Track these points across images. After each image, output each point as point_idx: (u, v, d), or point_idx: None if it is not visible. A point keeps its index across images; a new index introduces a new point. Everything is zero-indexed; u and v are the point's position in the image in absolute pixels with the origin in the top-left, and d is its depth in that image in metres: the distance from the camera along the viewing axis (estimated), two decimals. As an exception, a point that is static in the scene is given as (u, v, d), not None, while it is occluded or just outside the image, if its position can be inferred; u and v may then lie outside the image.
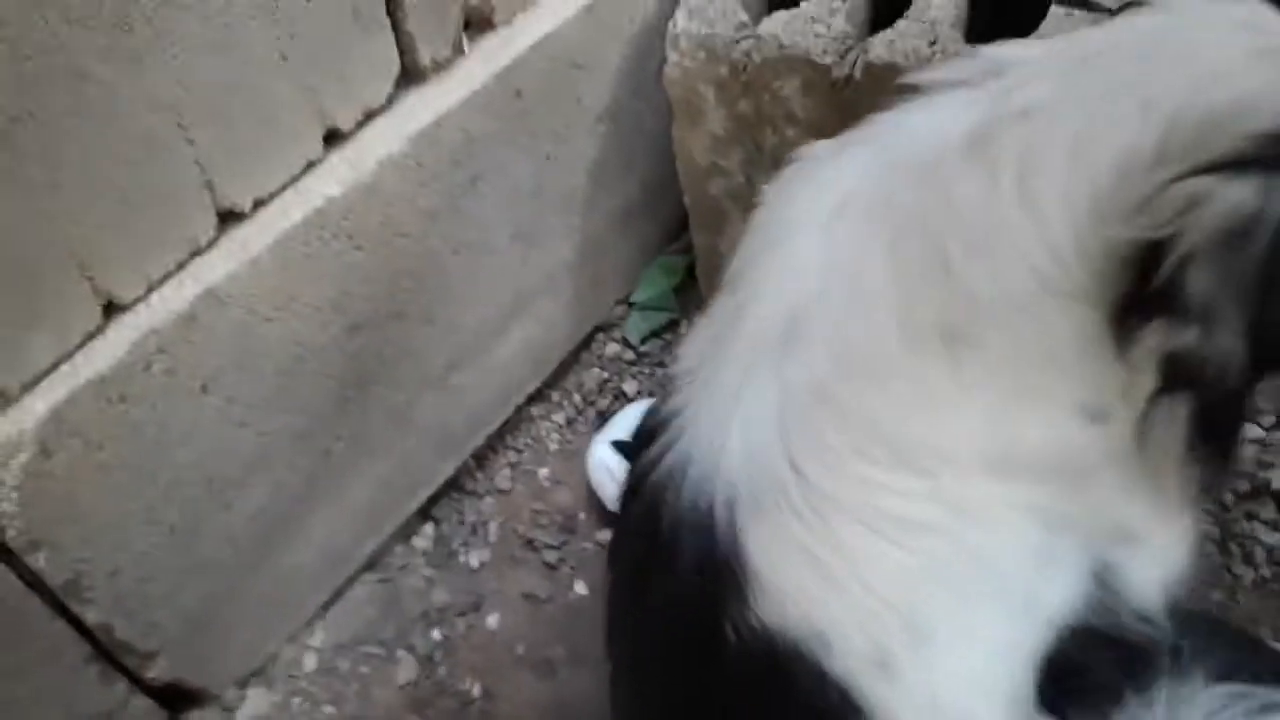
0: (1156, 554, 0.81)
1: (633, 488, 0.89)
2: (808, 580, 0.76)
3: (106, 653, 1.25)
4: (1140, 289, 0.70)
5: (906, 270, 0.75)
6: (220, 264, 1.17)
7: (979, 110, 0.76)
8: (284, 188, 1.23)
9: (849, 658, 0.76)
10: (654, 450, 0.84)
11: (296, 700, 1.47)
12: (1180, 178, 0.67)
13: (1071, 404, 0.75)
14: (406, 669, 1.50)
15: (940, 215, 0.75)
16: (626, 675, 0.95)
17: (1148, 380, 0.73)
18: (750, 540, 0.77)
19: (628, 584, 0.93)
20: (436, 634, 1.53)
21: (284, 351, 1.25)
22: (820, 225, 0.79)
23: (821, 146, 0.86)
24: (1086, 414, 0.76)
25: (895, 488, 0.75)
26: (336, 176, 1.25)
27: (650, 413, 0.92)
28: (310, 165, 1.25)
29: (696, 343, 0.89)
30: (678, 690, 0.87)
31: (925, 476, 0.75)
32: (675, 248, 1.87)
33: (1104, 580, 0.78)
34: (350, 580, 1.55)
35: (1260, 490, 1.49)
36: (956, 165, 0.75)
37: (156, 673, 1.32)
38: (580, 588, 1.57)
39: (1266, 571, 1.44)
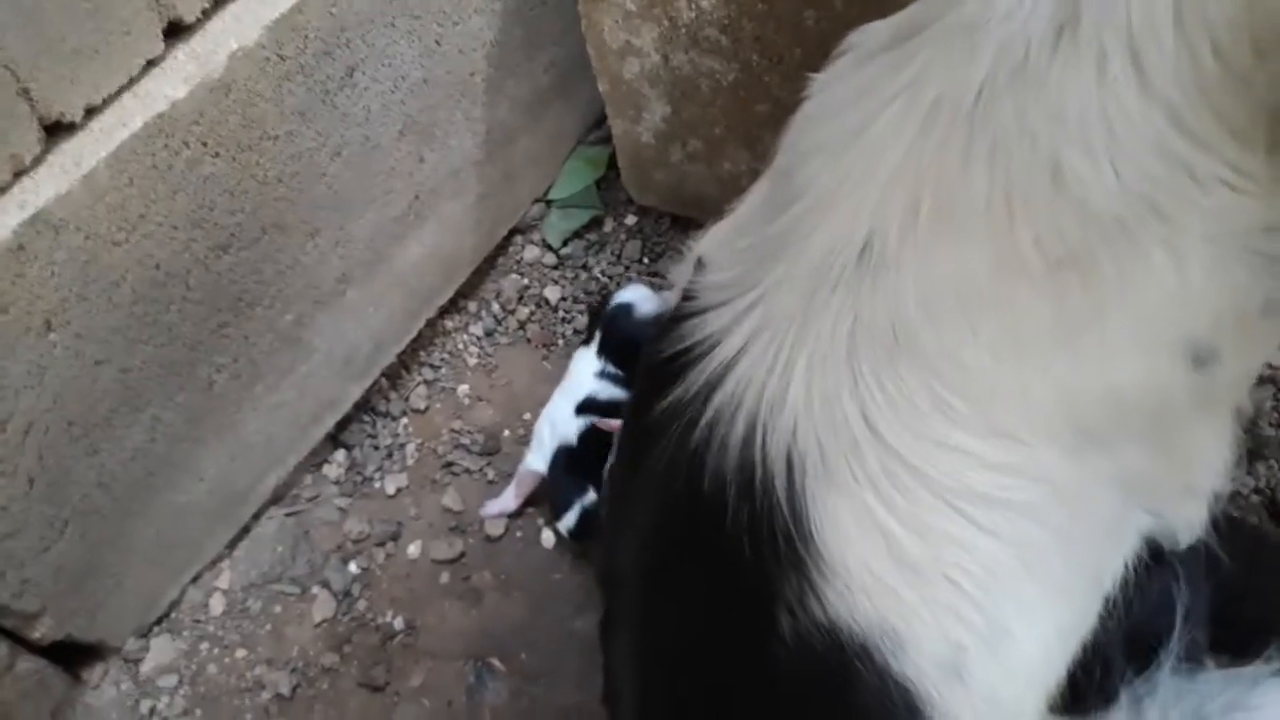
0: (1206, 501, 0.73)
1: (649, 424, 0.74)
2: (884, 567, 0.65)
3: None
4: None
5: (1007, 184, 0.62)
6: (49, 184, 1.02)
7: None
8: (120, 92, 1.08)
9: (921, 658, 0.65)
10: (685, 384, 0.70)
11: (205, 646, 1.38)
12: None
13: (1181, 344, 0.64)
14: (322, 605, 1.40)
15: (1042, 118, 0.61)
16: (643, 655, 0.81)
17: None
18: (818, 512, 0.65)
19: (644, 545, 0.79)
20: (353, 567, 1.44)
21: (139, 277, 1.12)
22: (903, 131, 0.65)
23: (879, 33, 0.71)
24: (1193, 357, 0.64)
25: (986, 459, 0.64)
26: (182, 75, 1.10)
27: (661, 326, 0.78)
28: (150, 64, 1.10)
29: (729, 248, 0.75)
30: (710, 676, 0.74)
31: (1017, 446, 0.64)
32: (595, 137, 1.72)
33: (1149, 540, 0.70)
34: (256, 516, 1.45)
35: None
36: (1048, 58, 0.61)
37: (42, 631, 1.22)
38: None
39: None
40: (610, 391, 1.43)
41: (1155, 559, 0.72)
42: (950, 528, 0.64)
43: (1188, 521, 0.73)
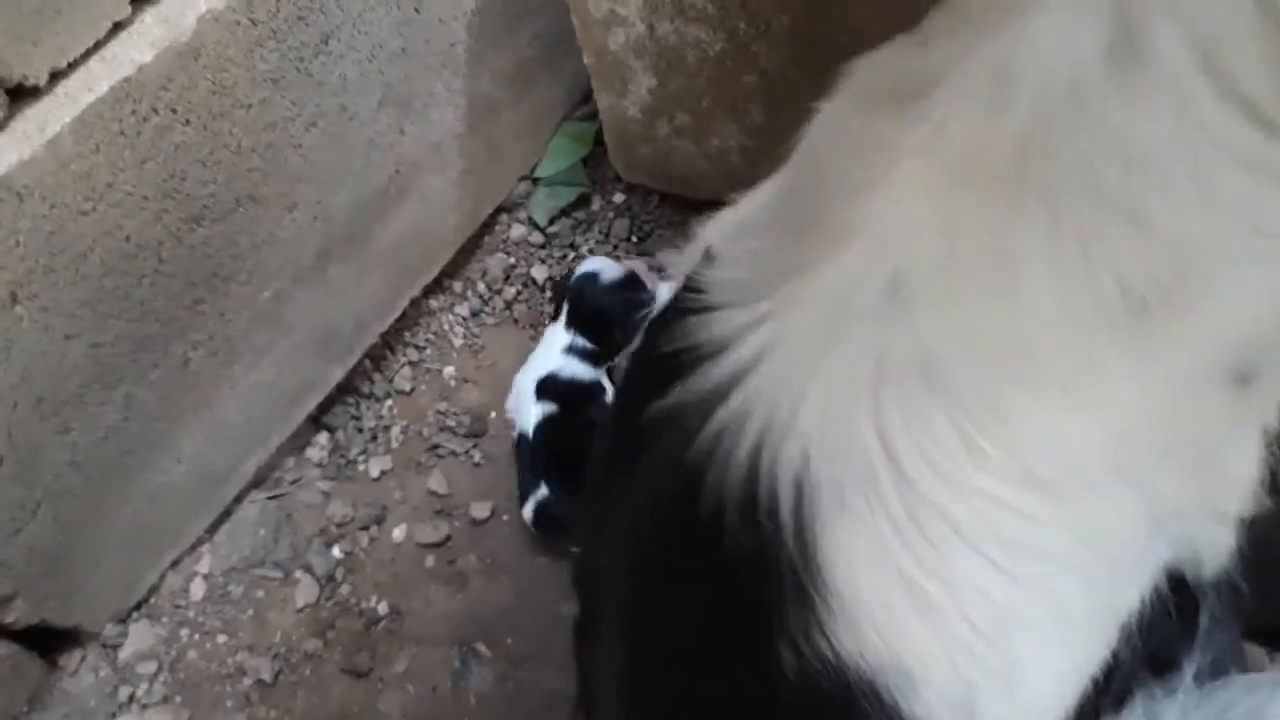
0: (1235, 526, 0.69)
1: (642, 422, 0.69)
2: (899, 605, 0.60)
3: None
4: None
5: (1076, 232, 0.57)
6: (11, 150, 0.99)
7: (1103, 8, 0.57)
8: (86, 55, 1.05)
9: (933, 698, 0.61)
10: (686, 387, 0.65)
11: (185, 632, 1.35)
12: None
13: (1225, 362, 0.61)
14: (305, 590, 1.37)
15: (1107, 162, 0.56)
16: (630, 680, 0.77)
17: None
18: (829, 543, 0.60)
19: (630, 557, 0.74)
20: (336, 551, 1.40)
21: (108, 249, 1.08)
22: (932, 187, 0.60)
23: (884, 74, 0.67)
24: (1236, 375, 0.61)
25: (1015, 506, 0.60)
26: (150, 39, 1.07)
27: (661, 316, 0.73)
28: (117, 27, 1.07)
29: (739, 245, 0.70)
30: (703, 709, 0.70)
31: (1050, 493, 0.60)
32: (582, 113, 1.69)
33: (1172, 570, 0.67)
34: (238, 499, 1.42)
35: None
36: (1101, 90, 0.56)
37: (15, 616, 1.19)
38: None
39: None
40: (575, 369, 1.40)
41: (1177, 587, 0.69)
42: (972, 570, 0.60)
43: (1215, 549, 0.69)
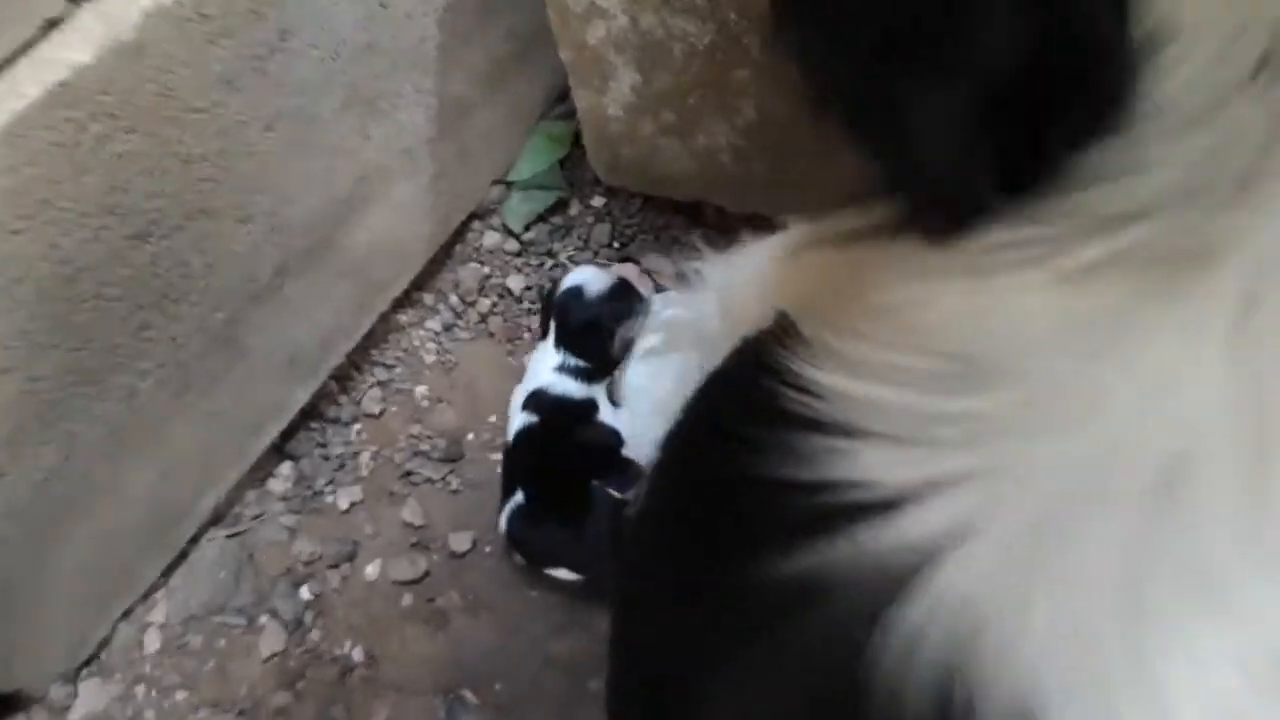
0: None
1: (760, 580, 0.50)
2: None
3: None
4: None
5: None
6: (-72, 162, 0.87)
7: None
8: (15, 57, 0.93)
9: None
10: (836, 549, 0.48)
11: (141, 689, 1.23)
12: None
13: None
14: (271, 637, 1.26)
15: None
16: None
17: None
18: None
19: None
20: (304, 592, 1.29)
21: (43, 273, 0.96)
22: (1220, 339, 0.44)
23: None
24: None
25: None
26: (88, 37, 0.95)
27: (742, 401, 0.57)
28: (51, 25, 0.94)
29: (869, 355, 0.51)
30: None
31: None
32: (558, 112, 1.59)
33: None
34: (194, 539, 1.30)
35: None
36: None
37: (-54, 682, 1.07)
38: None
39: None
40: (566, 386, 1.31)
41: None
42: None
43: None
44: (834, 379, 0.51)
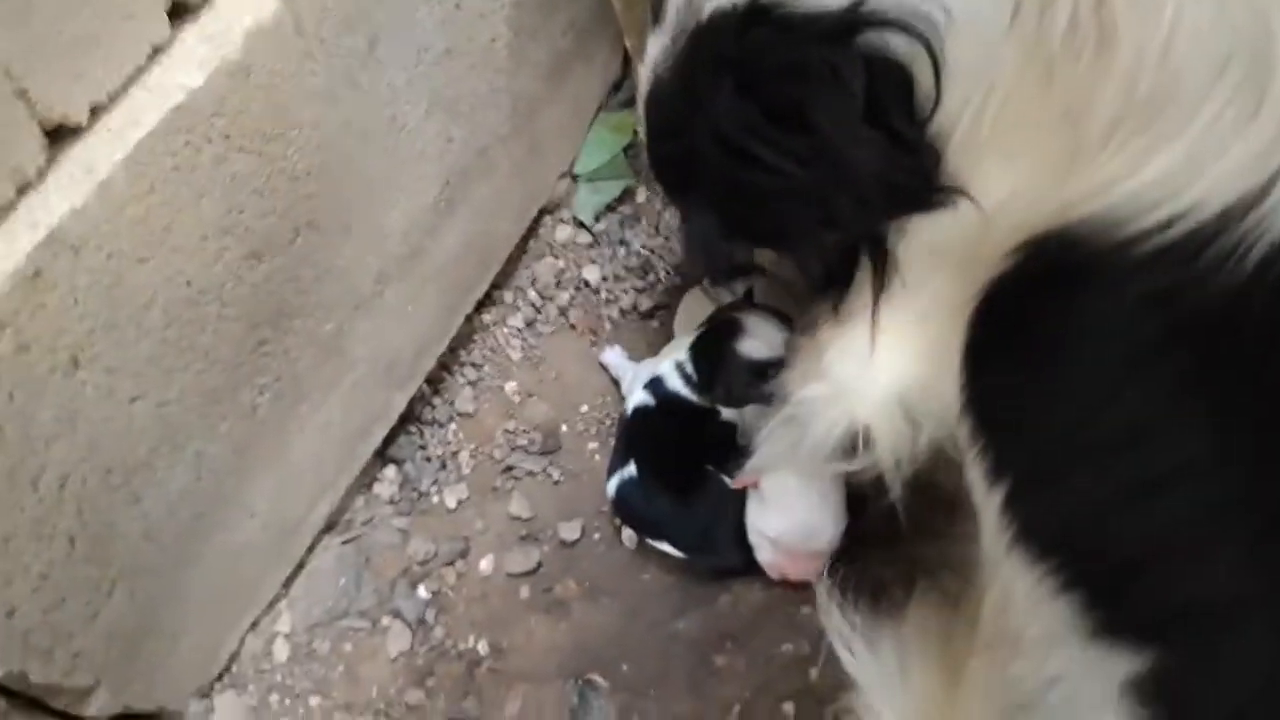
0: None
1: None
2: None
3: (31, 702, 1.01)
4: None
5: None
6: (59, 198, 0.88)
7: None
8: (129, 84, 0.93)
9: None
10: None
11: (275, 697, 1.25)
12: None
13: None
14: (397, 637, 1.28)
15: None
16: None
17: None
18: None
19: None
20: (423, 591, 1.31)
21: (169, 298, 0.98)
22: None
23: None
24: None
25: None
26: (196, 60, 0.96)
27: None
28: (158, 50, 0.95)
29: None
30: None
31: None
32: (617, 101, 1.60)
33: None
34: (310, 549, 1.32)
35: None
36: None
37: (98, 708, 1.09)
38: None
39: None
40: (676, 384, 1.30)
41: None
42: None
43: None
44: None
